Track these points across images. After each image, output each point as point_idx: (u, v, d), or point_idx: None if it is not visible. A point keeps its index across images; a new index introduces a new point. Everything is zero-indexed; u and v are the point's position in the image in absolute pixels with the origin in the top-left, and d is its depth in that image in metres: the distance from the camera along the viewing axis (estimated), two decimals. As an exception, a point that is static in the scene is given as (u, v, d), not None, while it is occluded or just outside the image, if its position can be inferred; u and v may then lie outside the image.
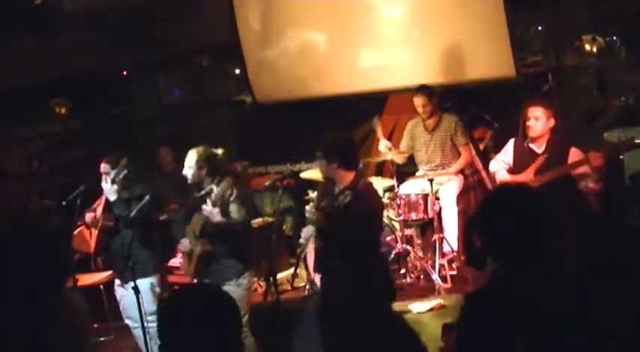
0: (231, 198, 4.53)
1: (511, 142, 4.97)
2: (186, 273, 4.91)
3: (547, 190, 4.45)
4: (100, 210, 5.16)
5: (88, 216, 5.09)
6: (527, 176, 4.69)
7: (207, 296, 2.06)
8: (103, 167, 5.11)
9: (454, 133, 6.02)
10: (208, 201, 4.48)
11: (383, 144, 6.04)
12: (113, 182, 5.02)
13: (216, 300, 2.05)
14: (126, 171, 5.02)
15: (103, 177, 5.07)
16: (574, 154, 4.64)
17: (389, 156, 5.94)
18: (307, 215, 4.39)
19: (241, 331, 2.13)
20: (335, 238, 4.01)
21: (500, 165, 4.97)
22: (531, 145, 4.81)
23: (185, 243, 4.75)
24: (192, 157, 4.69)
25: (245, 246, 4.72)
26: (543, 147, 4.75)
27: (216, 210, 4.44)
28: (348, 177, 4.04)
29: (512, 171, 4.87)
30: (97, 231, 5.20)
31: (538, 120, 4.73)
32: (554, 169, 4.63)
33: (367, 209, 4.01)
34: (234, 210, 4.54)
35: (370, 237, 4.13)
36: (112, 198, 5.04)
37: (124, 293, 5.04)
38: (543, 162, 4.68)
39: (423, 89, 6.03)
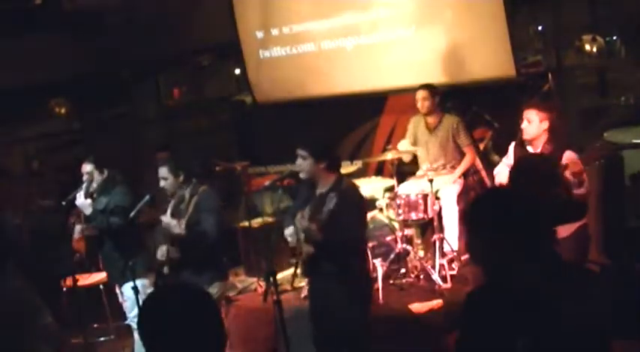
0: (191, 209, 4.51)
1: (512, 146, 4.98)
2: None
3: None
4: (82, 218, 5.18)
5: (76, 230, 5.13)
6: None
7: (186, 296, 1.99)
8: (84, 167, 5.11)
9: (457, 133, 5.97)
10: (168, 211, 4.50)
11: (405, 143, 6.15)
12: (87, 196, 5.03)
13: (195, 299, 1.98)
14: (95, 186, 5.05)
15: (85, 184, 5.07)
16: (566, 158, 4.60)
17: (389, 156, 5.93)
18: (297, 225, 4.17)
19: (224, 335, 2.06)
20: (328, 241, 3.96)
21: (506, 168, 4.99)
22: (528, 148, 4.82)
23: (162, 250, 4.63)
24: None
25: (215, 254, 4.69)
26: (539, 150, 4.75)
27: (174, 222, 4.45)
28: (331, 178, 4.05)
29: None
30: (83, 240, 5.23)
31: (531, 123, 4.72)
32: None
33: (359, 206, 4.08)
34: (203, 219, 4.52)
35: (362, 234, 4.21)
36: (88, 212, 5.05)
37: (126, 295, 5.10)
38: None
39: (427, 84, 6.02)
